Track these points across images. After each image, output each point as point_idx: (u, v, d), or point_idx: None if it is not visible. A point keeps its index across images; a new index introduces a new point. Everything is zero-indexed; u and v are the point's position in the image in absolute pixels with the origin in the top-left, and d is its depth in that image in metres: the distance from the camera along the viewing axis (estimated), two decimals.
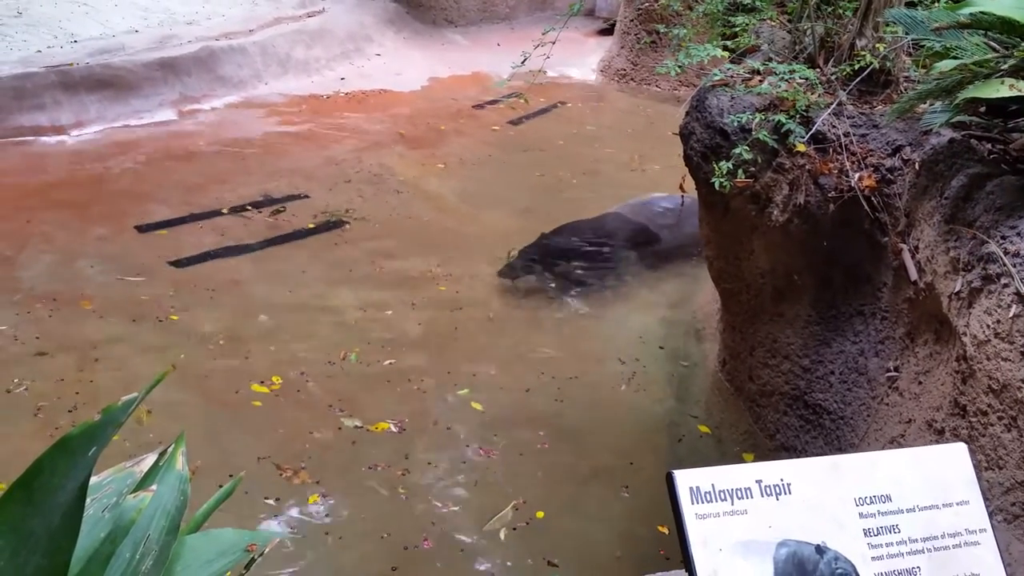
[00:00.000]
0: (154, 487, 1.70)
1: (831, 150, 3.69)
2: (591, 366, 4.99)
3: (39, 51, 8.00)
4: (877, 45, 3.84)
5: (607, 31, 11.88)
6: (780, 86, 3.80)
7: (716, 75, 4.08)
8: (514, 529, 3.79)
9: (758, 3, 4.43)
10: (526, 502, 3.93)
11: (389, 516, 3.83)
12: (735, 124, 3.83)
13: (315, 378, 4.66)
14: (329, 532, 3.73)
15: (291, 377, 4.64)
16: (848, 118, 3.72)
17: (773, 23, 4.58)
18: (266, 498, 3.83)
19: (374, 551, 3.64)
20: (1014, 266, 2.74)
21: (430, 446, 4.26)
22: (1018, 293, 2.69)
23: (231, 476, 3.31)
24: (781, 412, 4.21)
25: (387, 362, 4.82)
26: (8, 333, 4.80)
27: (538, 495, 3.99)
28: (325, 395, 4.54)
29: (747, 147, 3.70)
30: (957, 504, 1.90)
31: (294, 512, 3.81)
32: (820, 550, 1.77)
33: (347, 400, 4.50)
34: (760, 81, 3.92)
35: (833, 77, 3.88)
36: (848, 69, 3.82)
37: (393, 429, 4.31)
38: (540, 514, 3.88)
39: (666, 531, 3.71)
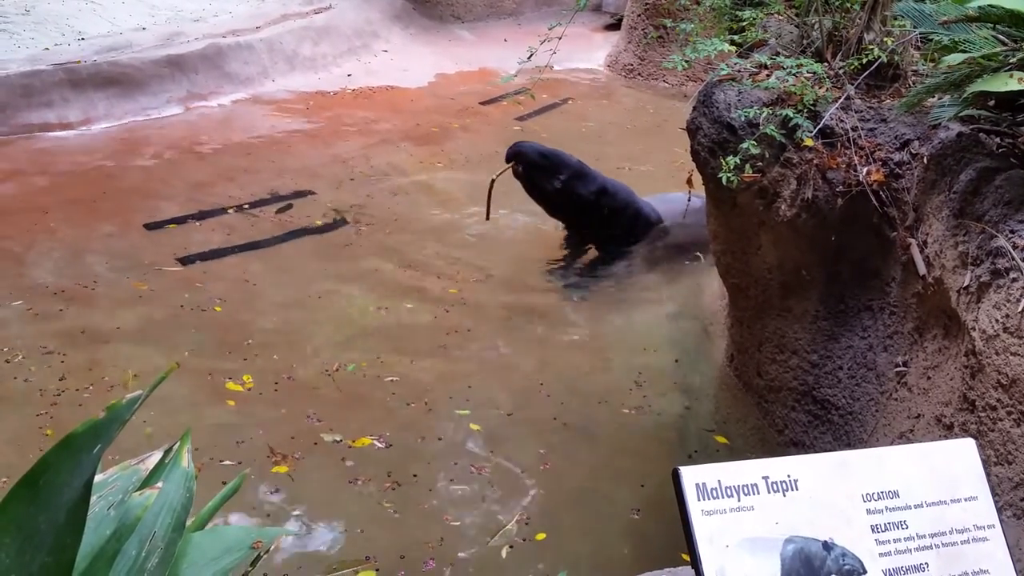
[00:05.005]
0: (160, 484, 1.70)
1: (839, 144, 3.68)
2: (598, 373, 4.90)
3: (47, 49, 8.02)
4: (885, 39, 3.82)
5: (614, 26, 11.86)
6: (788, 80, 3.79)
7: (723, 70, 4.07)
8: (511, 547, 3.66)
9: None
10: (530, 520, 3.80)
11: (384, 533, 3.72)
12: (742, 119, 3.82)
13: (318, 382, 4.63)
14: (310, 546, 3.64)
15: (294, 380, 4.62)
16: (856, 112, 3.71)
17: (780, 17, 4.56)
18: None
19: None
20: (1023, 260, 2.72)
21: (426, 463, 4.12)
22: None
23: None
24: (789, 408, 4.20)
25: (389, 378, 4.69)
26: (16, 329, 4.81)
27: (541, 516, 3.84)
28: (324, 401, 4.49)
29: (754, 142, 3.68)
30: (965, 500, 1.89)
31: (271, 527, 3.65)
32: (827, 546, 1.76)
33: (334, 412, 4.40)
34: (767, 76, 3.91)
35: (841, 71, 3.87)
36: (856, 63, 3.80)
37: (379, 445, 4.18)
38: (541, 536, 3.72)
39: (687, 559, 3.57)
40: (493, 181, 5.94)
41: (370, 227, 6.33)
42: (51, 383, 4.39)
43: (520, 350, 5.11)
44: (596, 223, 6.06)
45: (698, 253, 5.94)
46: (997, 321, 2.76)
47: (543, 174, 5.92)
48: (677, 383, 4.85)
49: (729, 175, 3.70)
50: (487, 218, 6.06)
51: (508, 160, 5.94)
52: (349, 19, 10.39)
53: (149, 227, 6.06)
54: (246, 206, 6.46)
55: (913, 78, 3.87)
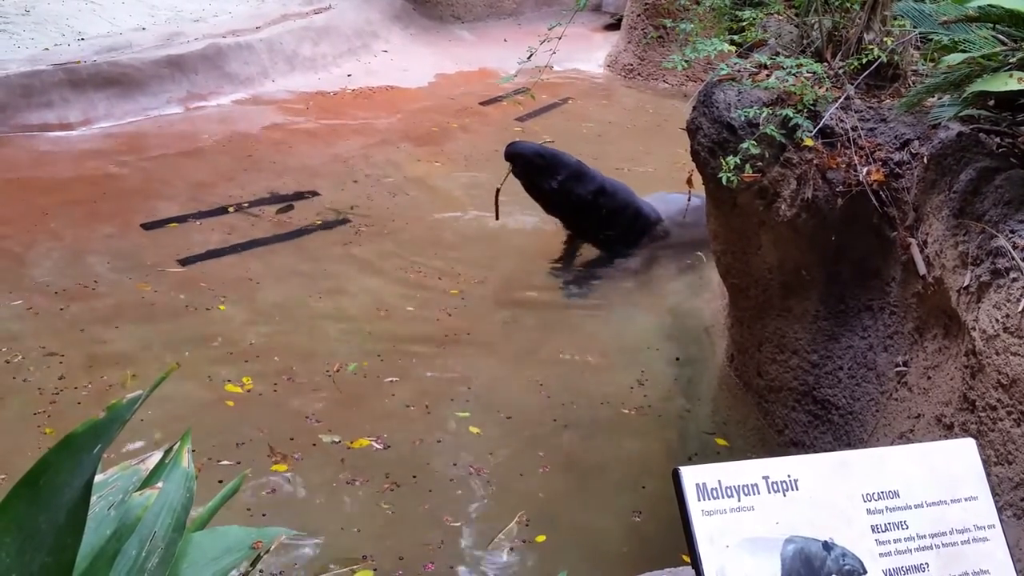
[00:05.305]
0: (160, 484, 1.70)
1: (839, 144, 3.68)
2: (599, 374, 4.88)
3: (46, 49, 8.02)
4: (885, 39, 3.82)
5: (614, 26, 11.85)
6: (787, 80, 3.78)
7: (723, 70, 4.07)
8: (511, 549, 3.64)
9: None
10: (530, 521, 3.77)
11: (383, 534, 3.69)
12: (742, 119, 3.82)
13: (318, 383, 4.61)
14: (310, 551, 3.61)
15: (294, 380, 4.61)
16: (856, 112, 3.71)
17: (780, 17, 4.56)
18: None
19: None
20: (1023, 260, 2.72)
21: (425, 464, 4.09)
22: None
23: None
24: (790, 408, 4.20)
25: (388, 379, 4.68)
26: (16, 329, 4.81)
27: (541, 518, 3.81)
28: (323, 402, 4.47)
29: (754, 142, 3.68)
30: (966, 500, 1.89)
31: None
32: (827, 546, 1.76)
33: (333, 413, 4.39)
34: (767, 75, 3.91)
35: (841, 71, 3.87)
36: (856, 63, 3.80)
37: (378, 446, 4.15)
38: (541, 537, 3.70)
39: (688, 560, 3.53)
40: (498, 190, 5.91)
41: (370, 227, 6.32)
42: (50, 382, 4.39)
43: (520, 351, 5.10)
44: (595, 223, 6.06)
45: (698, 253, 5.94)
46: (997, 321, 2.76)
47: (540, 174, 5.93)
48: (678, 383, 4.85)
49: (729, 175, 3.70)
50: (496, 218, 6.03)
51: (506, 160, 5.93)
52: (349, 19, 10.39)
53: (149, 227, 6.06)
54: (246, 206, 6.46)
55: (913, 78, 3.87)
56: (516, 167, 5.90)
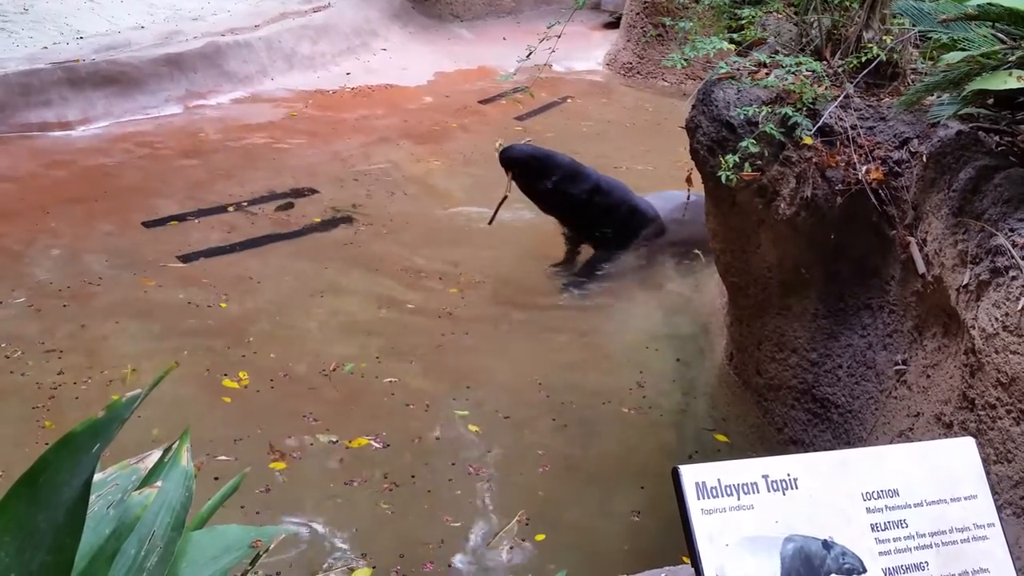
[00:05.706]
0: (159, 483, 1.70)
1: (838, 143, 3.67)
2: (598, 373, 4.88)
3: (45, 47, 8.01)
4: (884, 37, 3.82)
5: (613, 24, 11.84)
6: (787, 79, 3.78)
7: (722, 68, 4.06)
8: (511, 548, 3.63)
9: None
10: (530, 520, 3.77)
11: (383, 534, 3.69)
12: (741, 117, 3.81)
13: (316, 381, 4.61)
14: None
15: (292, 379, 4.60)
16: (855, 111, 3.71)
17: (779, 15, 4.56)
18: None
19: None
20: (1022, 259, 2.72)
21: (424, 464, 4.08)
22: None
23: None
24: (789, 406, 4.20)
25: (387, 378, 4.66)
26: (17, 325, 4.81)
27: (541, 517, 3.80)
28: (321, 401, 4.47)
29: (754, 140, 3.68)
30: (965, 498, 1.89)
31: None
32: (827, 545, 1.76)
33: (331, 412, 4.37)
34: (767, 74, 3.91)
35: (840, 70, 3.87)
36: (855, 61, 3.80)
37: (376, 445, 4.13)
38: (540, 536, 3.69)
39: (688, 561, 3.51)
40: (505, 197, 5.88)
41: (369, 226, 6.32)
42: (49, 378, 4.39)
43: (519, 350, 5.09)
44: (591, 221, 6.07)
45: (697, 251, 5.93)
46: (996, 319, 2.76)
47: (535, 176, 5.94)
48: (677, 382, 4.84)
49: (728, 173, 3.69)
50: (490, 223, 6.03)
51: (502, 165, 5.93)
52: (348, 17, 10.38)
53: (149, 225, 6.06)
54: (245, 204, 6.46)
55: (912, 76, 3.86)
56: (513, 171, 5.90)
